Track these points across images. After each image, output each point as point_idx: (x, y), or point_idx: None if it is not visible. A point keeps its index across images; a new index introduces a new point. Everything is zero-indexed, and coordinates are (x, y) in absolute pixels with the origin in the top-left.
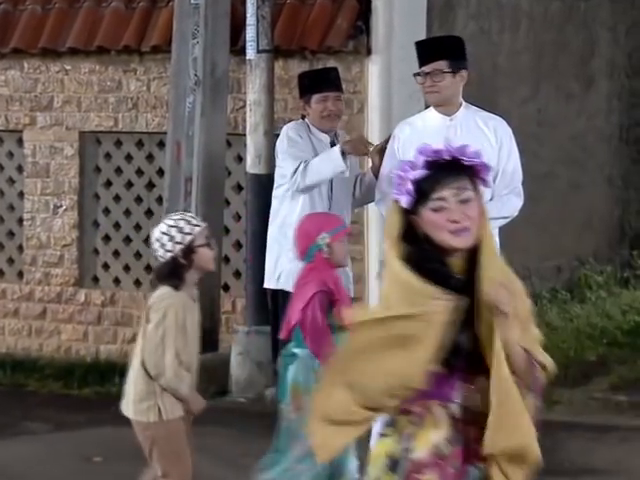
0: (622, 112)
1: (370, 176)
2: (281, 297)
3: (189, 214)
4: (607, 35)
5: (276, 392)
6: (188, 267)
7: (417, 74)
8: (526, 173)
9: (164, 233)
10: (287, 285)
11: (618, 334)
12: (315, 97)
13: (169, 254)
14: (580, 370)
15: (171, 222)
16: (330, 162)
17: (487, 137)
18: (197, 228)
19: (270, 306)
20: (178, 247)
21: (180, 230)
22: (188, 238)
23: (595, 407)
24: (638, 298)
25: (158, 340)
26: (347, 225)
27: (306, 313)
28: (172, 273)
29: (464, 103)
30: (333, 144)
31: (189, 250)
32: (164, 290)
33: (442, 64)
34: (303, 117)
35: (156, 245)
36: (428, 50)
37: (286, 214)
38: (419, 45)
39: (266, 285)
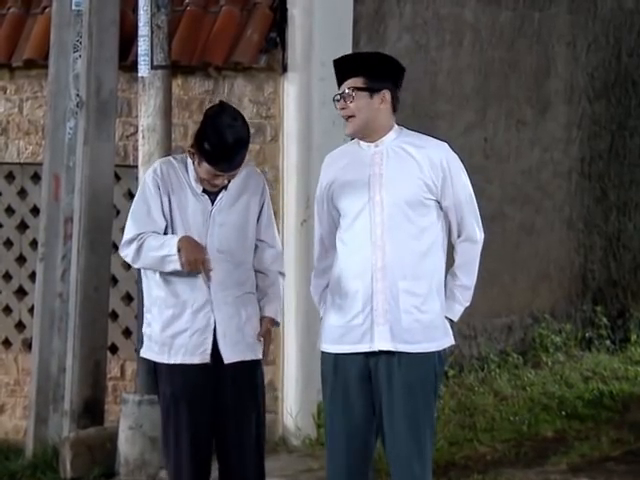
0: (583, 142)
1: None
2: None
3: None
4: (565, 52)
5: None
6: None
7: (336, 99)
8: None
9: None
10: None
11: (579, 405)
12: (206, 166)
13: None
14: (534, 447)
15: None
16: (164, 255)
17: (419, 166)
18: None
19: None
20: None
21: None
22: None
23: None
24: (602, 362)
25: None
26: None
27: None
28: None
29: (395, 127)
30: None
31: None
32: None
33: (357, 81)
34: (190, 151)
35: None
36: (343, 66)
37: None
38: (336, 63)
39: None
